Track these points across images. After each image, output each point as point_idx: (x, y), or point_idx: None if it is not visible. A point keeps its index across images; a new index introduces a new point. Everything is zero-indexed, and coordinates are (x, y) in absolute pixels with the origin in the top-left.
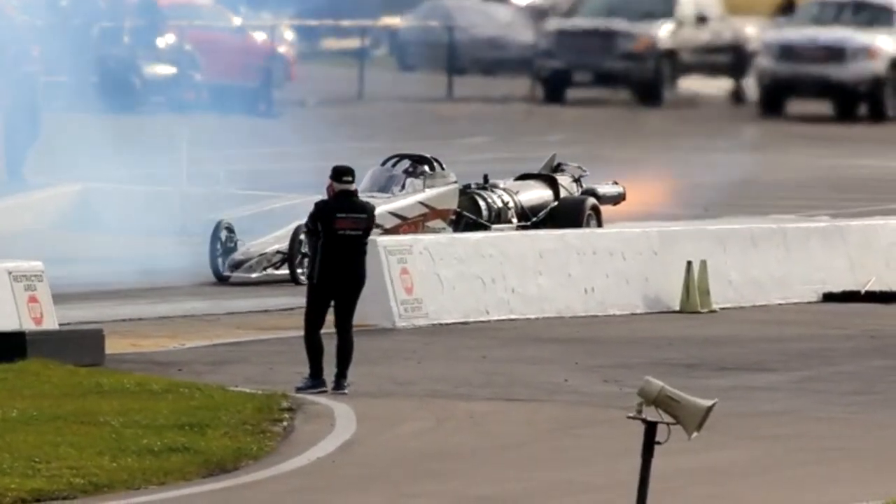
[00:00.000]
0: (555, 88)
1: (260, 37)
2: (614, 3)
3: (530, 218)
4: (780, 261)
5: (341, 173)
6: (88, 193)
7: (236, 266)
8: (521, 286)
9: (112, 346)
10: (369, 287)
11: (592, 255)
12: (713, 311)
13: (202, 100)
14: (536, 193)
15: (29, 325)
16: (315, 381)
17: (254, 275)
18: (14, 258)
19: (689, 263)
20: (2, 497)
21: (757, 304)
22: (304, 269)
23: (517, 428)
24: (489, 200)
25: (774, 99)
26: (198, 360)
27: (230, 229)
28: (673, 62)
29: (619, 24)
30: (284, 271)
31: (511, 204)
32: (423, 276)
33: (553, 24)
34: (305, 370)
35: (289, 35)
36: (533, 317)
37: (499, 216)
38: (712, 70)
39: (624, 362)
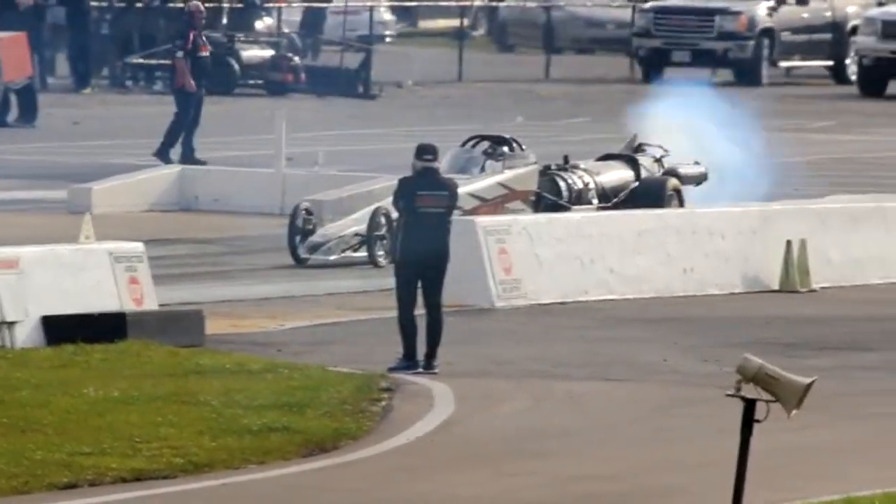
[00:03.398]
0: (653, 68)
1: None
2: None
3: (611, 199)
4: (879, 240)
5: (422, 151)
6: (187, 174)
7: (314, 248)
8: (619, 266)
9: (212, 327)
10: (467, 267)
11: (692, 234)
12: (813, 291)
13: (300, 82)
14: (617, 174)
15: (129, 306)
16: (408, 361)
17: (332, 257)
18: (115, 239)
19: (789, 243)
20: (103, 476)
21: (857, 283)
22: (383, 251)
23: (616, 407)
24: (569, 181)
25: (875, 78)
26: (297, 340)
27: (308, 211)
28: (772, 41)
29: (718, 3)
30: (363, 254)
31: (591, 185)
32: (522, 256)
33: (651, 2)
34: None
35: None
36: (632, 296)
37: (579, 197)
38: (812, 49)
39: (723, 341)
